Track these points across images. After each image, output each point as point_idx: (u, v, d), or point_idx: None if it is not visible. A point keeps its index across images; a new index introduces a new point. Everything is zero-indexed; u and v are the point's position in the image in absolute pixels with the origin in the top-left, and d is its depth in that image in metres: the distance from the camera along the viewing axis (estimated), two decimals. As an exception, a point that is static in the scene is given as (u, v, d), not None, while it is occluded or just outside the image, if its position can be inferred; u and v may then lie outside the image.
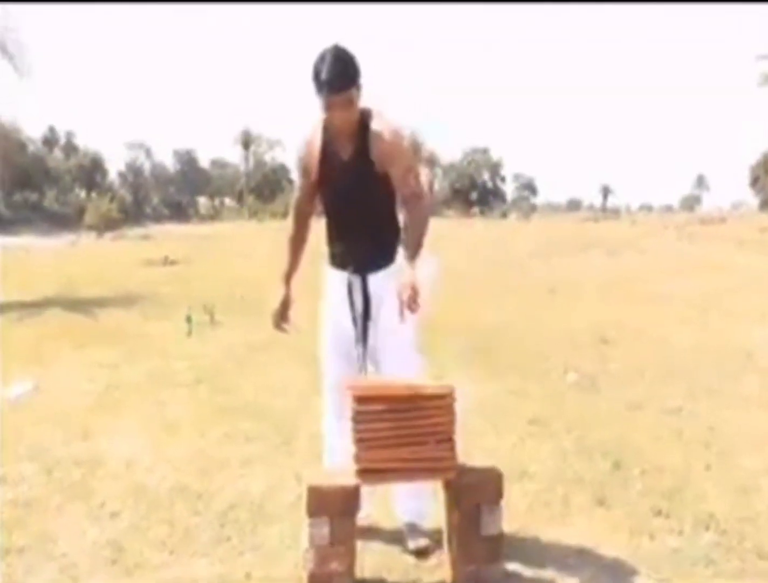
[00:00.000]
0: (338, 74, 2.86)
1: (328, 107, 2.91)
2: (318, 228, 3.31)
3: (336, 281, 3.22)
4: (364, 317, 3.13)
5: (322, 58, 2.87)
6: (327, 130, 3.07)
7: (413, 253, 2.99)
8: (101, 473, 4.05)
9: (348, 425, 2.84)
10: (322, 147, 3.08)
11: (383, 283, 3.11)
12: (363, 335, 3.13)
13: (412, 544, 3.11)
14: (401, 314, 2.86)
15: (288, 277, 3.30)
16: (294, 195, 3.37)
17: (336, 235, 3.23)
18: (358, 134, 3.03)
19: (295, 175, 3.33)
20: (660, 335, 7.76)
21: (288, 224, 3.36)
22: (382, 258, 3.16)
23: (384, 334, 3.12)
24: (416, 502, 3.20)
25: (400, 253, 3.08)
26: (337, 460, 3.14)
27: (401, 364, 3.09)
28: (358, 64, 2.94)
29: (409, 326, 3.07)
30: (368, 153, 3.03)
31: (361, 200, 3.10)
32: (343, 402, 2.93)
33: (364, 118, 3.04)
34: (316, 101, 2.97)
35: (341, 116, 2.94)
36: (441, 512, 2.94)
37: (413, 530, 3.17)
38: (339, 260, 3.21)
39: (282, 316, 3.27)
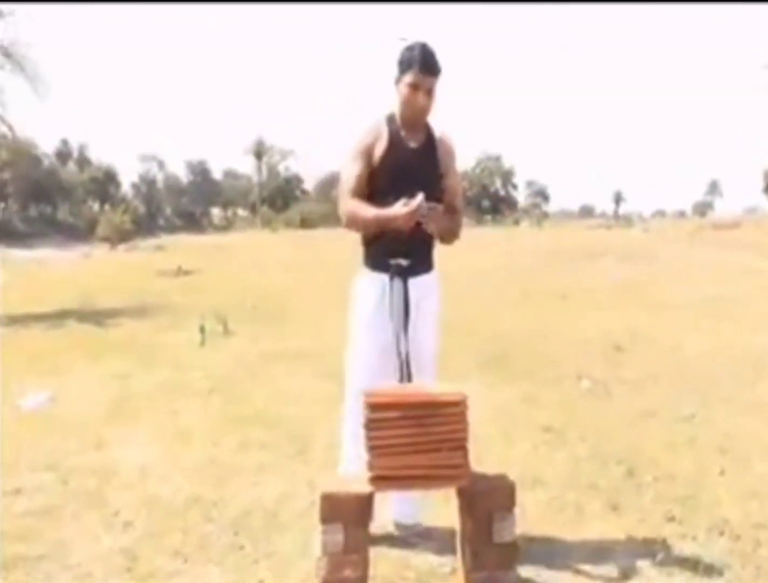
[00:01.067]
0: (432, 58, 3.01)
1: (417, 87, 3.00)
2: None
3: (373, 284, 3.13)
4: (405, 322, 3.02)
5: (412, 47, 3.02)
6: (392, 123, 3.12)
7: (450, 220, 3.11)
8: (115, 482, 4.07)
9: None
10: (389, 135, 3.10)
11: (421, 291, 3.11)
12: (402, 340, 3.00)
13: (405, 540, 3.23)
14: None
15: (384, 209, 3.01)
16: (343, 184, 3.16)
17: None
18: (425, 131, 3.15)
19: (347, 169, 3.14)
20: (673, 342, 7.73)
21: (349, 204, 3.11)
22: (426, 261, 3.19)
23: (419, 343, 3.08)
24: (405, 504, 3.27)
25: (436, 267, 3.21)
26: (353, 469, 3.15)
27: (426, 373, 3.10)
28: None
29: (436, 337, 3.20)
30: (435, 149, 3.14)
31: (423, 190, 2.94)
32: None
33: (427, 122, 3.16)
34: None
35: (424, 99, 3.03)
36: (454, 519, 2.94)
37: (403, 529, 3.29)
38: (380, 260, 3.10)
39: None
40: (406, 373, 2.95)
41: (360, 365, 3.20)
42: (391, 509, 3.27)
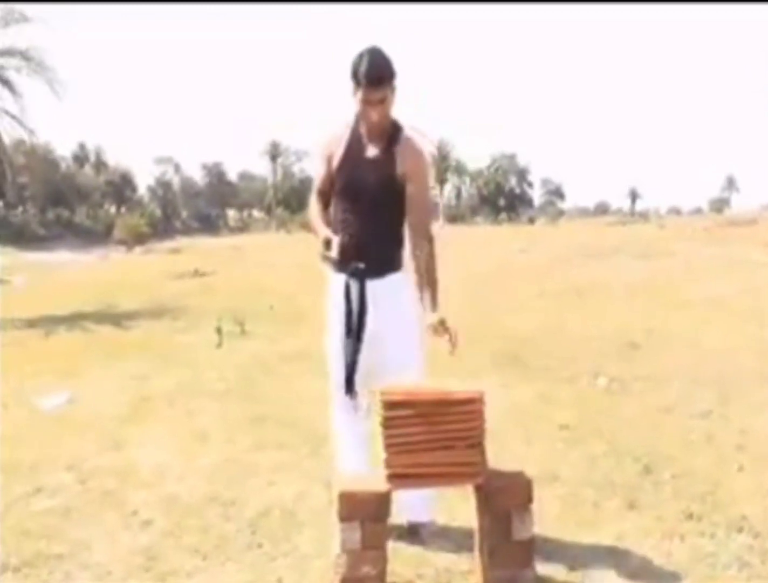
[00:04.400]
0: (377, 70, 2.97)
1: (366, 102, 3.00)
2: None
3: (336, 285, 3.22)
4: (358, 325, 3.13)
5: (360, 56, 2.98)
6: (356, 130, 3.16)
7: (434, 293, 3.12)
8: (134, 481, 4.10)
9: (356, 428, 3.14)
10: (348, 142, 3.15)
11: (386, 291, 3.15)
12: (355, 343, 3.14)
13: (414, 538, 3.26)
14: (451, 352, 3.03)
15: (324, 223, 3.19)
16: (314, 187, 3.33)
17: (344, 232, 3.14)
18: (386, 139, 3.13)
19: (315, 166, 3.32)
20: (690, 339, 7.68)
21: (310, 203, 3.31)
22: (387, 263, 3.21)
23: (389, 341, 3.15)
24: (418, 502, 3.28)
25: (405, 269, 3.22)
26: (351, 456, 3.27)
27: (408, 371, 3.09)
28: (393, 66, 3.03)
29: (411, 338, 3.19)
30: (393, 158, 3.11)
31: (376, 200, 3.12)
32: (348, 405, 3.19)
33: (396, 126, 3.15)
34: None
35: (377, 112, 3.02)
36: (471, 517, 2.94)
37: (415, 528, 3.31)
38: (341, 261, 3.12)
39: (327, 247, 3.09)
40: (353, 372, 3.14)
41: (333, 358, 3.30)
42: (404, 508, 3.26)
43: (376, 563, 2.69)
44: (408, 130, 3.19)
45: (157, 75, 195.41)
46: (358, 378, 3.17)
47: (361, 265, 3.10)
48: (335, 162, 3.17)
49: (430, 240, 3.18)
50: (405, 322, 3.18)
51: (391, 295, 3.16)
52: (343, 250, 3.04)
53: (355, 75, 2.98)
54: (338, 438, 3.41)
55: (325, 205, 3.28)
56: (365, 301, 3.12)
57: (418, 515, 3.32)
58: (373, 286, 3.13)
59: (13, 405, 5.86)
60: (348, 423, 3.30)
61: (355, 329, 3.13)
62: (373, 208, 3.14)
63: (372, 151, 3.14)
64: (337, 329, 3.22)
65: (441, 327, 3.02)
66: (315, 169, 3.31)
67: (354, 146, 3.15)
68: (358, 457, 3.24)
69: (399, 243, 3.25)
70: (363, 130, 3.14)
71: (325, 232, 3.10)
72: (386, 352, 3.16)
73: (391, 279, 3.19)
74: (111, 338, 9.53)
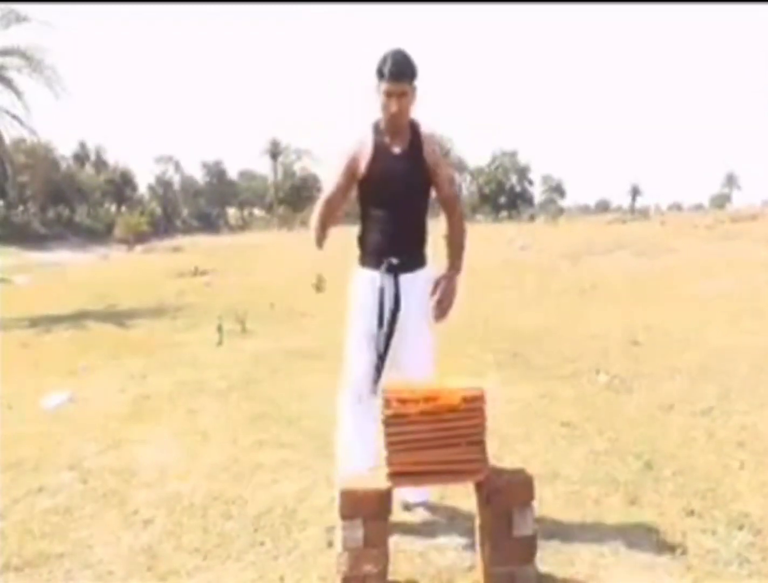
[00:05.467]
0: (402, 65, 3.17)
1: (388, 93, 3.15)
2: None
3: (366, 282, 3.31)
4: (392, 319, 3.23)
5: (386, 55, 3.17)
6: (378, 129, 3.28)
7: (460, 258, 3.42)
8: (135, 481, 4.10)
9: (367, 425, 3.16)
10: (374, 143, 3.25)
11: (414, 286, 3.29)
12: (387, 337, 3.23)
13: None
14: (437, 317, 3.32)
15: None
16: (326, 193, 3.29)
17: (376, 229, 3.32)
18: (409, 133, 3.28)
19: (330, 174, 3.32)
20: (691, 336, 7.69)
21: (317, 205, 3.30)
22: (417, 258, 3.36)
23: (411, 336, 3.29)
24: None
25: (430, 262, 3.40)
26: (357, 456, 3.29)
27: (423, 366, 3.29)
28: (416, 66, 3.22)
29: (432, 330, 3.38)
30: (420, 149, 3.28)
31: (408, 194, 3.29)
32: (364, 402, 3.23)
33: (413, 123, 3.31)
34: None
35: (400, 106, 3.16)
36: (473, 515, 2.94)
37: (409, 505, 3.50)
38: (374, 258, 3.29)
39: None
40: (382, 365, 3.24)
41: (354, 357, 3.35)
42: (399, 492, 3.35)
43: (378, 561, 2.69)
44: (423, 125, 3.35)
45: (157, 74, 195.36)
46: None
47: (395, 261, 3.24)
48: (363, 164, 3.24)
49: (461, 213, 3.50)
50: (425, 316, 3.35)
51: (418, 289, 3.31)
52: (377, 258, 3.26)
53: (380, 70, 3.16)
54: (345, 438, 3.42)
55: (334, 216, 3.31)
56: (399, 296, 3.24)
57: (414, 495, 3.49)
58: (404, 280, 3.27)
59: (15, 404, 5.86)
60: (357, 422, 3.34)
61: (388, 322, 3.23)
62: (406, 202, 3.29)
63: (397, 148, 3.27)
64: (362, 324, 3.30)
65: (447, 285, 3.34)
66: (331, 179, 3.30)
67: (380, 146, 3.26)
68: (364, 457, 3.24)
69: (426, 238, 3.43)
70: (385, 130, 3.27)
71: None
72: (407, 344, 3.29)
73: (419, 274, 3.34)
74: (112, 337, 9.53)
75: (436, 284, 3.34)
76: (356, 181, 3.30)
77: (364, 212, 3.39)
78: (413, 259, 3.34)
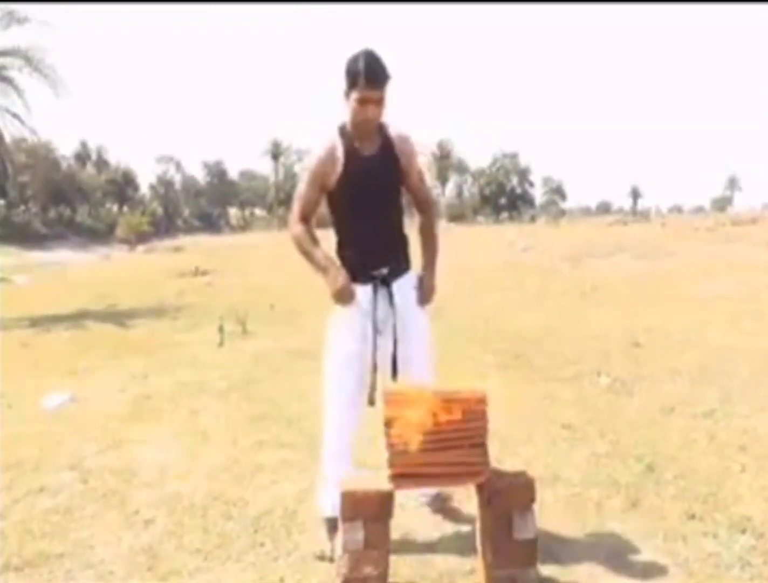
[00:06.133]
0: (376, 71, 3.00)
1: (363, 100, 3.01)
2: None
3: (359, 295, 3.18)
4: (393, 326, 3.19)
5: (356, 58, 3.01)
6: (345, 134, 3.15)
7: (435, 258, 3.36)
8: (136, 481, 4.10)
9: (349, 429, 3.21)
10: (344, 148, 3.13)
11: (407, 288, 3.25)
12: (374, 346, 3.17)
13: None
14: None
15: (331, 259, 3.21)
16: (297, 204, 3.27)
17: (357, 240, 3.20)
18: (378, 134, 3.17)
19: (300, 188, 3.26)
20: (692, 338, 7.67)
21: (296, 228, 3.25)
22: (403, 262, 3.29)
23: (409, 337, 3.21)
24: None
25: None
26: (334, 464, 3.28)
27: (426, 369, 3.25)
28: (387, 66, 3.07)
29: (428, 325, 3.35)
30: (392, 148, 3.17)
31: (386, 197, 3.21)
32: (350, 413, 3.22)
33: (381, 124, 3.18)
34: (343, 112, 3.11)
35: (374, 111, 3.05)
36: (474, 517, 2.94)
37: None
38: (360, 272, 3.16)
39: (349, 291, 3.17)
40: (374, 371, 3.16)
41: (342, 370, 3.27)
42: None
43: (378, 564, 2.68)
44: (391, 126, 3.22)
45: (158, 74, 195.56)
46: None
47: (385, 271, 3.17)
48: (335, 172, 3.12)
49: (434, 214, 3.43)
50: (422, 318, 3.31)
51: (409, 292, 3.26)
52: (364, 271, 3.17)
53: (353, 75, 2.99)
54: (327, 445, 3.36)
55: (311, 224, 3.29)
56: (394, 304, 3.18)
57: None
58: (396, 286, 3.21)
59: (15, 404, 5.86)
60: (340, 431, 3.29)
61: (388, 330, 3.18)
62: (385, 206, 3.21)
63: (368, 151, 3.15)
64: (350, 342, 3.20)
65: (427, 285, 3.31)
66: (302, 194, 3.25)
67: (351, 150, 3.13)
68: (340, 467, 3.21)
69: (407, 239, 3.34)
70: (354, 134, 3.14)
71: (333, 273, 3.14)
72: (406, 346, 3.21)
73: (409, 277, 3.29)
74: (113, 337, 9.52)
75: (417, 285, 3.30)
76: (327, 191, 3.19)
77: (340, 223, 3.26)
78: (400, 264, 3.27)
